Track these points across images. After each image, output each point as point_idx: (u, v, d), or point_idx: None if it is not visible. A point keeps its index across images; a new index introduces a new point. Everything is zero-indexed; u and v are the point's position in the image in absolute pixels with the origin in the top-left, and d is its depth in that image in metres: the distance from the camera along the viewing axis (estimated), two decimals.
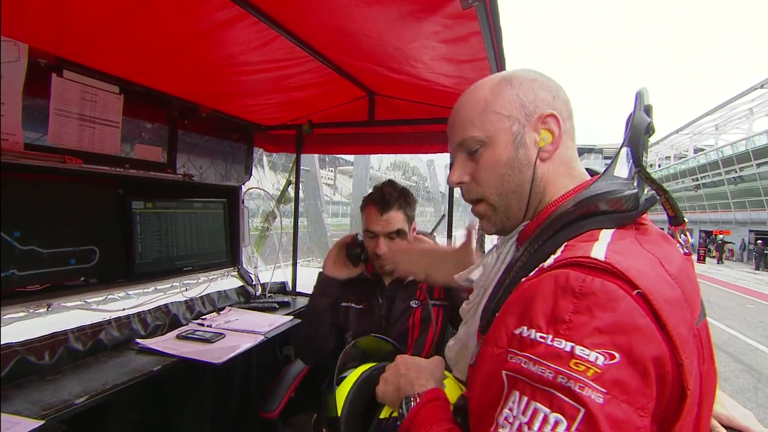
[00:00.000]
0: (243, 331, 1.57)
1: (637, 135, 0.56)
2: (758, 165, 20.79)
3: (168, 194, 1.70)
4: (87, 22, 1.13)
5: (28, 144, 1.23)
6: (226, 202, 1.97)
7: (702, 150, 28.24)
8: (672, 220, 0.58)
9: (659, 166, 35.35)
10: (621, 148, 0.58)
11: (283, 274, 2.30)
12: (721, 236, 24.02)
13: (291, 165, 2.40)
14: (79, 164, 1.34)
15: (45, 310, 1.25)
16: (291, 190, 2.35)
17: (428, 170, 12.45)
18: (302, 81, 1.67)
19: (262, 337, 1.52)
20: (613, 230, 0.52)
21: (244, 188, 2.11)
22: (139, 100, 1.57)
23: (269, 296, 2.11)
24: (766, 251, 19.24)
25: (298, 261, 2.29)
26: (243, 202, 2.04)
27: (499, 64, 1.18)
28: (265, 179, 2.55)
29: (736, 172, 22.95)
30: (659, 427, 0.43)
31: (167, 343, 1.42)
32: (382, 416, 0.73)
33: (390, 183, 1.39)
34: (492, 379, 0.48)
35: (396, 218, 1.31)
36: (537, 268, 0.51)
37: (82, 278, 1.37)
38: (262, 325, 1.63)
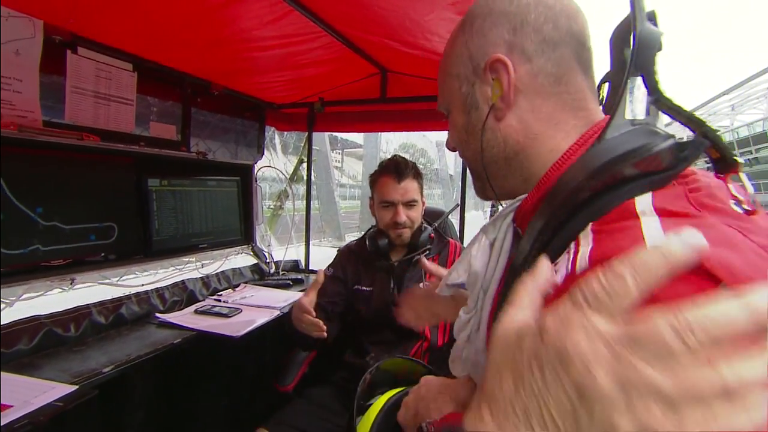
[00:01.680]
0: (259, 306, 1.60)
1: (649, 52, 0.41)
2: None
3: (182, 172, 1.71)
4: None
5: (46, 121, 1.25)
6: (240, 181, 1.98)
7: (717, 131, 27.62)
8: (717, 166, 0.39)
9: None
10: (626, 77, 0.41)
11: (295, 253, 2.33)
12: None
13: (302, 145, 2.40)
14: (97, 141, 1.35)
15: (69, 284, 1.28)
16: (303, 170, 2.36)
17: (437, 152, 12.36)
18: (314, 57, 1.66)
19: (279, 312, 1.55)
20: (649, 195, 0.36)
21: (256, 167, 2.11)
22: (153, 78, 1.57)
23: (282, 273, 2.14)
24: None
25: (310, 240, 2.31)
26: (256, 181, 2.05)
27: None
28: (277, 160, 2.55)
29: (752, 153, 22.47)
30: None
31: (186, 318, 1.46)
32: None
33: (399, 155, 1.43)
34: None
35: (412, 187, 1.35)
36: (565, 272, 0.36)
37: (102, 254, 1.40)
38: (278, 301, 1.66)
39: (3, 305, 1.16)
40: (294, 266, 2.27)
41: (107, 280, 1.45)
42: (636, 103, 0.41)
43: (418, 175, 1.39)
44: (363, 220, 9.22)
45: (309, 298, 1.18)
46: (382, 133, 8.73)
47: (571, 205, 0.38)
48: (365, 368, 1.36)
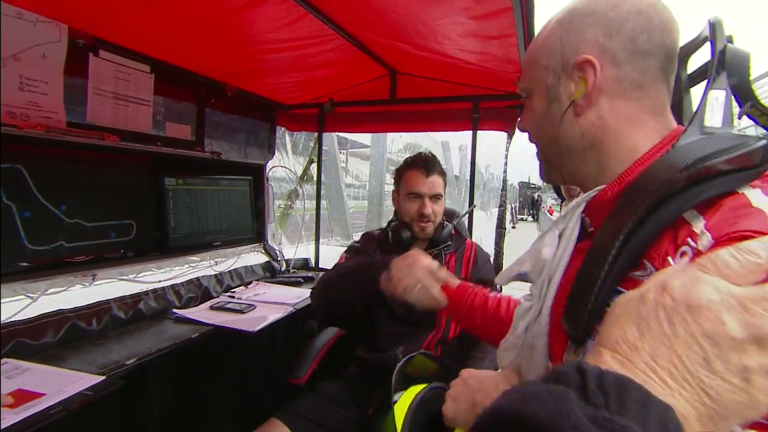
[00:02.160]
0: (272, 302, 1.64)
1: (743, 66, 0.46)
2: None
3: (197, 171, 1.75)
4: (123, 1, 1.16)
5: (70, 122, 1.29)
6: (252, 180, 2.02)
7: None
8: None
9: None
10: (707, 90, 0.47)
11: (305, 251, 2.36)
12: None
13: (312, 145, 2.44)
14: (117, 141, 1.40)
15: (91, 280, 1.32)
16: (312, 170, 2.39)
17: (442, 152, 12.37)
18: (325, 59, 1.69)
19: (292, 308, 1.59)
20: (759, 190, 0.41)
21: (267, 167, 2.15)
22: (169, 79, 1.61)
23: (293, 271, 2.18)
24: None
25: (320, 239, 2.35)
26: (267, 180, 2.09)
27: (527, 40, 1.19)
28: (287, 160, 2.60)
29: None
30: None
31: (202, 314, 1.50)
32: None
33: (426, 152, 1.48)
34: None
35: (438, 182, 1.40)
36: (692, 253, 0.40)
37: (121, 251, 1.44)
38: (290, 297, 1.70)
39: (27, 300, 1.20)
40: (304, 264, 2.31)
41: (125, 277, 1.50)
42: (715, 112, 0.47)
43: (443, 172, 1.44)
44: (370, 220, 9.26)
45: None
46: (388, 134, 8.76)
47: (660, 196, 0.43)
48: (376, 363, 1.40)
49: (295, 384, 1.52)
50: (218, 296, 1.72)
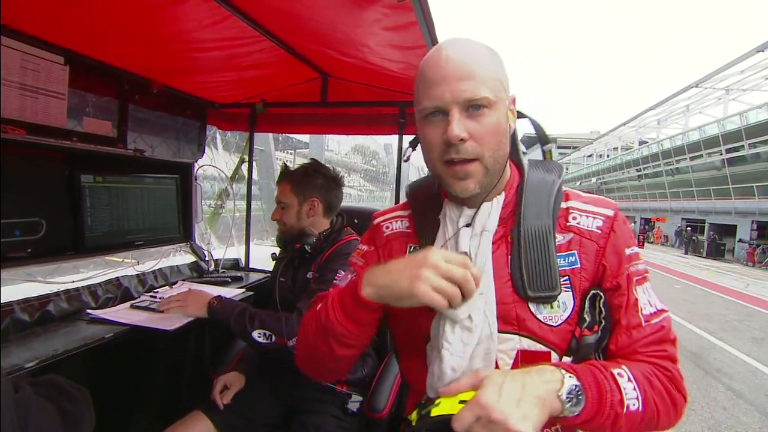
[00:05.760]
0: None
1: (545, 135, 0.82)
2: (691, 158, 22.49)
3: (119, 169, 1.70)
4: None
5: None
6: (179, 179, 1.98)
7: (646, 142, 30.09)
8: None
9: (608, 156, 37.29)
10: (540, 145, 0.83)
11: (236, 252, 2.34)
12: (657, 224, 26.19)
13: (244, 144, 2.42)
14: (22, 135, 1.33)
15: None
16: (244, 169, 2.38)
17: (386, 154, 12.54)
18: (255, 60, 1.71)
19: None
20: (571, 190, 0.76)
21: (196, 166, 2.12)
22: (88, 73, 1.55)
23: (222, 271, 2.15)
24: (693, 237, 21.11)
25: (252, 240, 2.34)
26: (196, 179, 2.06)
27: None
28: (218, 158, 2.56)
29: (673, 164, 24.69)
30: None
31: (119, 313, 1.45)
32: None
33: (310, 164, 1.58)
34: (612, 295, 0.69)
35: (281, 190, 1.52)
36: (601, 218, 0.71)
37: (29, 250, 1.37)
38: None
39: None
40: (234, 264, 2.29)
41: (34, 277, 1.42)
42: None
43: (300, 182, 1.50)
44: None
45: None
46: (334, 135, 8.77)
47: (558, 189, 0.77)
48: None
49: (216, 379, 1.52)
50: (140, 296, 1.67)
